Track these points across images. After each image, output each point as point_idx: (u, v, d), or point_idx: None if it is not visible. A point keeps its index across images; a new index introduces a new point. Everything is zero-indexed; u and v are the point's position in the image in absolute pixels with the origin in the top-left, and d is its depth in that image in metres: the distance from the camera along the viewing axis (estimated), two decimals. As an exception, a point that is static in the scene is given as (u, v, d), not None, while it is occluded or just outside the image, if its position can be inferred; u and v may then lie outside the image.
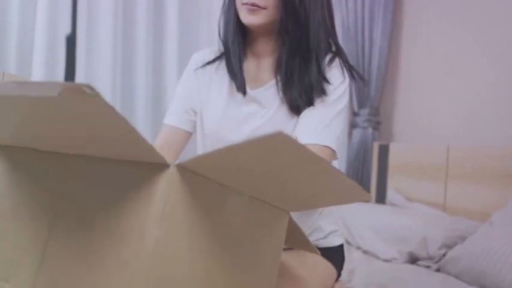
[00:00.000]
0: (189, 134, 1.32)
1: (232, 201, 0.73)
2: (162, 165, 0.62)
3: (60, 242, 0.70)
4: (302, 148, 0.62)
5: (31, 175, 0.76)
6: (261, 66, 1.24)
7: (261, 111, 1.19)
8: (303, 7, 1.12)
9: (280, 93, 1.18)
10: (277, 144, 0.59)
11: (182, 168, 0.63)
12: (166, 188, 0.62)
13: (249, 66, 1.25)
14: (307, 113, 1.15)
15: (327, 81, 1.15)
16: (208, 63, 1.27)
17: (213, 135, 1.25)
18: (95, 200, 0.68)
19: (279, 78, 1.18)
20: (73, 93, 0.52)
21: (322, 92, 1.14)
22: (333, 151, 1.12)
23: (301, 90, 1.15)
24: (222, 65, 1.27)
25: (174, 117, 1.30)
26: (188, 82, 1.31)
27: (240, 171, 0.69)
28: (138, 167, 0.64)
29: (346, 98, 1.19)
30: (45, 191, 0.74)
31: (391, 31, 3.26)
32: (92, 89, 0.49)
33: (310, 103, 1.15)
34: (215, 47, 1.31)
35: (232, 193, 0.73)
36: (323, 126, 1.12)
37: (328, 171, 0.70)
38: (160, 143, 1.25)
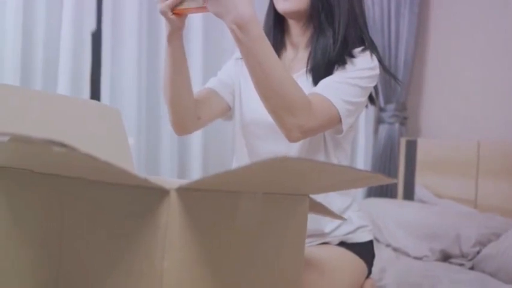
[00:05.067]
0: (225, 104, 1.33)
1: (245, 204, 0.71)
2: (162, 191, 0.60)
3: (70, 275, 0.69)
4: (308, 164, 0.62)
5: (32, 200, 0.74)
6: (297, 57, 1.28)
7: None
8: None
9: (308, 77, 1.20)
10: (282, 166, 0.59)
11: (183, 190, 0.61)
12: (167, 217, 0.60)
13: (287, 56, 1.31)
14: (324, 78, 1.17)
15: (353, 56, 1.17)
16: None
17: (254, 123, 1.27)
18: (99, 230, 0.67)
19: (310, 63, 1.22)
20: (45, 149, 0.51)
21: (344, 63, 1.16)
22: (337, 111, 1.10)
23: (324, 65, 1.18)
24: None
25: (213, 84, 1.34)
26: (229, 67, 1.38)
27: (249, 181, 0.68)
28: (138, 192, 0.62)
29: (370, 83, 1.18)
30: (48, 220, 0.72)
31: (417, 25, 3.20)
32: (63, 145, 0.47)
33: (330, 74, 1.17)
34: None
35: (243, 196, 0.71)
36: (333, 84, 1.12)
37: (337, 171, 0.70)
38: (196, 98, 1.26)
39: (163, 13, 1.02)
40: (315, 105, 1.05)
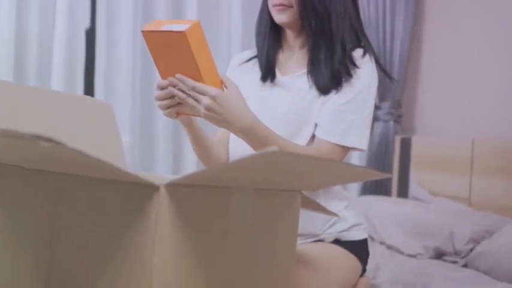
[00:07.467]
0: None
1: (237, 200, 0.72)
2: (152, 187, 0.60)
3: (61, 272, 0.69)
4: (299, 159, 0.64)
5: (24, 196, 0.74)
6: (294, 58, 1.32)
7: (289, 95, 1.27)
8: (322, 2, 1.20)
9: (310, 81, 1.25)
10: (272, 161, 0.60)
11: (173, 186, 0.61)
12: (157, 213, 0.60)
13: (283, 57, 1.34)
14: (332, 109, 1.21)
15: (355, 65, 1.23)
16: (247, 60, 1.39)
17: None
18: (90, 227, 0.67)
19: (309, 67, 1.25)
20: (33, 144, 0.51)
21: (349, 75, 1.22)
22: (351, 148, 1.21)
23: (328, 76, 1.22)
24: (257, 62, 1.37)
25: None
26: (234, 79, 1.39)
27: (240, 177, 0.68)
28: (128, 189, 0.63)
29: (375, 93, 1.26)
30: (40, 216, 0.72)
31: (413, 22, 3.19)
32: (50, 140, 0.48)
33: (338, 85, 1.22)
34: (254, 49, 1.39)
35: (235, 192, 0.72)
36: (348, 127, 1.20)
37: (332, 167, 0.71)
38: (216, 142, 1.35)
39: (168, 116, 1.11)
40: (326, 156, 1.16)
